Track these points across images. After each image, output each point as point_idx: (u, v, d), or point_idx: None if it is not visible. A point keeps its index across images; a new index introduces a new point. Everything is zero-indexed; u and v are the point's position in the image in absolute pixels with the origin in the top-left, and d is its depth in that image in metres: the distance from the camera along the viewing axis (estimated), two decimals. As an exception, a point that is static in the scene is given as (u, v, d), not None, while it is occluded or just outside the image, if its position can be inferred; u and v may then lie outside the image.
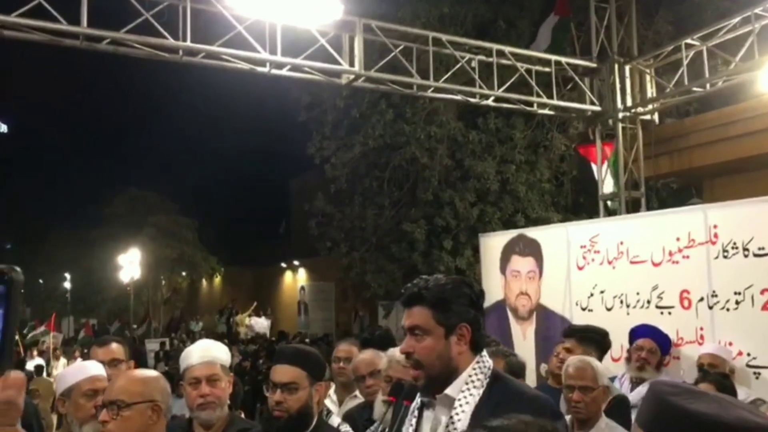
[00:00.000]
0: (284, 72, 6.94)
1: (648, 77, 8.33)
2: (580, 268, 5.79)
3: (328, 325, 24.00)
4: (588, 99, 8.46)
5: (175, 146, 75.90)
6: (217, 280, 34.05)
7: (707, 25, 7.72)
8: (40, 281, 32.31)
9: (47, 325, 16.01)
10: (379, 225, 15.02)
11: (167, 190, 32.77)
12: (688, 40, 7.63)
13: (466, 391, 2.01)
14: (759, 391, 4.28)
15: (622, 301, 5.39)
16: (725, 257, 4.70)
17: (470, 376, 2.03)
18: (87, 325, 22.10)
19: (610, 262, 5.53)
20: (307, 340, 16.86)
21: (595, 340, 4.39)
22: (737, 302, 4.60)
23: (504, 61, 8.01)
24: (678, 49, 7.75)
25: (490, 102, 8.10)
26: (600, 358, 4.10)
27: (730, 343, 4.59)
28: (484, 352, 2.12)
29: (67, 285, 29.66)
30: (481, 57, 7.91)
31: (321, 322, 24.24)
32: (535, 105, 8.33)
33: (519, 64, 8.00)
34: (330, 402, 3.81)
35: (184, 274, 29.43)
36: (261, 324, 21.87)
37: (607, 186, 8.56)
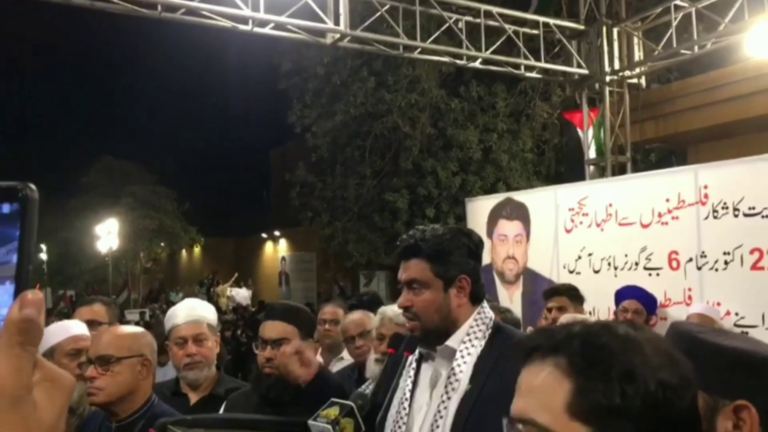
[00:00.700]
0: (267, 30, 6.73)
1: (636, 39, 8.25)
2: (568, 231, 5.75)
3: (310, 295, 23.96)
4: (575, 62, 8.37)
5: (152, 115, 74.76)
6: (197, 250, 33.74)
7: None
8: (15, 253, 31.61)
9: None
10: (361, 194, 14.92)
11: (145, 160, 32.25)
12: (677, 2, 7.53)
13: (468, 343, 1.94)
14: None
15: (609, 264, 5.36)
16: (715, 217, 4.67)
17: (471, 327, 1.97)
18: (65, 297, 21.85)
19: (598, 225, 5.49)
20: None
21: (580, 299, 4.42)
22: (726, 262, 4.58)
23: (491, 23, 7.88)
24: (667, 11, 7.66)
25: (477, 64, 7.98)
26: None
27: (719, 303, 4.58)
28: (485, 303, 2.06)
29: (44, 256, 29.12)
30: (469, 18, 7.76)
31: (302, 292, 24.21)
32: (522, 68, 8.23)
33: (507, 26, 7.88)
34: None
35: (163, 244, 29.04)
36: (242, 295, 21.79)
37: (593, 151, 8.53)
